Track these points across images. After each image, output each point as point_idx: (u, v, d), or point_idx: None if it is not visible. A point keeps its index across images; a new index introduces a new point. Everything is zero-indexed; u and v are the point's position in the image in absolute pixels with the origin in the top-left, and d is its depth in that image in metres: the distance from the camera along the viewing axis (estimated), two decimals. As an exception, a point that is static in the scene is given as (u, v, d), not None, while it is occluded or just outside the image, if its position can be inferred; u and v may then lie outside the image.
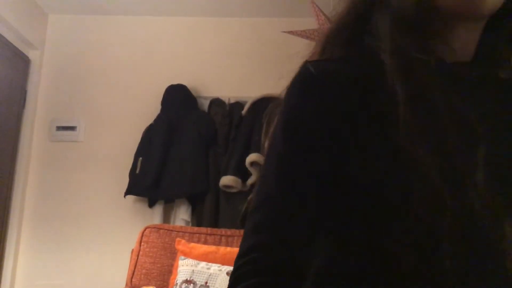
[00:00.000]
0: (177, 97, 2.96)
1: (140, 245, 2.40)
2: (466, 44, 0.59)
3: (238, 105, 2.96)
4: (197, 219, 2.82)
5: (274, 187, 0.55)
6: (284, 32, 2.47)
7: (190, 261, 2.17)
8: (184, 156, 2.80)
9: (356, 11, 0.62)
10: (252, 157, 2.64)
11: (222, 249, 2.22)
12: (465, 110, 0.50)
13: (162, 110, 2.96)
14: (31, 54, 3.16)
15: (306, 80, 0.56)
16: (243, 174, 2.69)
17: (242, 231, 0.58)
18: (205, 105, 3.05)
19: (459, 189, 0.47)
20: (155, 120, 2.94)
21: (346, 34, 0.62)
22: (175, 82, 2.99)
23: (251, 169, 2.65)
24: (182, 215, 2.78)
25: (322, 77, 0.56)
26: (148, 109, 2.99)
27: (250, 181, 2.68)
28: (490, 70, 0.57)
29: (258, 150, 2.64)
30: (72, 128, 3.12)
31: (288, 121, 0.56)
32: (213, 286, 2.04)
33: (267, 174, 0.57)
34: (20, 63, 3.06)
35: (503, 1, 0.56)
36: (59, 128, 3.12)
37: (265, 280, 0.51)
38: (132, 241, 2.50)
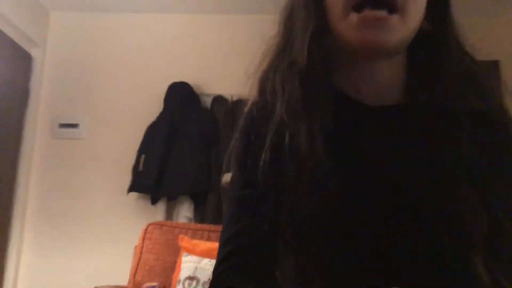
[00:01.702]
0: (180, 95, 2.96)
1: (143, 242, 2.41)
2: (386, 85, 0.63)
3: (241, 102, 2.96)
4: (200, 216, 2.82)
5: (235, 208, 0.64)
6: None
7: (193, 257, 2.18)
8: (186, 154, 2.81)
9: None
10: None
11: (225, 246, 2.22)
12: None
13: (164, 107, 2.96)
14: (33, 52, 3.16)
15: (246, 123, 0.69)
16: (245, 171, 2.69)
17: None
18: (207, 102, 3.05)
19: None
20: (158, 118, 2.94)
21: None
22: (178, 80, 2.99)
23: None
24: (185, 212, 2.79)
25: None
26: (151, 107, 2.99)
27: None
28: (413, 112, 0.61)
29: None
30: (75, 126, 3.12)
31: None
32: (216, 282, 2.04)
33: (230, 197, 0.66)
34: (22, 61, 3.06)
35: (401, 40, 0.59)
36: (62, 125, 3.13)
37: (239, 279, 0.57)
38: (135, 238, 2.51)
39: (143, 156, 2.85)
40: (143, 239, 2.42)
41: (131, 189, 2.83)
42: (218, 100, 3.02)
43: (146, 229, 2.45)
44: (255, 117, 0.66)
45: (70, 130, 3.12)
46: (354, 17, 0.57)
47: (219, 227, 2.40)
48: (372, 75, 0.63)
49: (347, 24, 0.58)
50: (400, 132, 0.62)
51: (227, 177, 2.65)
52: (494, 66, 2.98)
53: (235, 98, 3.02)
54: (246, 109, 0.72)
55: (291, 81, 0.63)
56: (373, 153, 0.61)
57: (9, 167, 2.94)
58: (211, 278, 0.61)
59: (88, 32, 3.25)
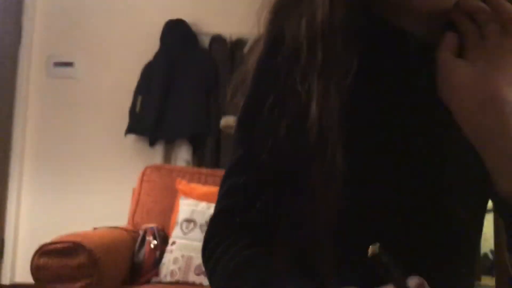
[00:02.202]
0: (177, 34, 2.86)
1: (141, 184, 2.41)
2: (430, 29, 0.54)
3: (241, 42, 2.86)
4: (198, 160, 2.81)
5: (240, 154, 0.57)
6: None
7: (190, 201, 2.18)
8: (184, 96, 2.76)
9: None
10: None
11: (223, 190, 2.22)
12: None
13: (161, 46, 2.87)
14: (24, -14, 3.01)
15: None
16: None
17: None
18: (205, 42, 2.95)
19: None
20: (155, 57, 2.86)
21: None
22: (174, 17, 2.87)
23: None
24: (183, 155, 2.78)
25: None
26: (147, 45, 2.89)
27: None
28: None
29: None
30: (70, 64, 3.04)
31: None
32: (214, 225, 2.05)
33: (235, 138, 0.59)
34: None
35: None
36: (57, 64, 3.05)
37: (237, 236, 0.53)
38: (133, 180, 2.51)
39: (139, 97, 2.80)
40: (141, 182, 2.42)
41: (129, 131, 2.80)
42: (217, 39, 2.92)
43: (144, 172, 2.44)
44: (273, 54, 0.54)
45: (65, 69, 3.04)
46: None
47: (216, 171, 2.40)
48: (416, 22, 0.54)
49: None
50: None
51: (227, 121, 2.62)
52: None
53: (234, 38, 2.91)
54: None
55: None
56: (406, 116, 0.53)
57: (5, 106, 2.89)
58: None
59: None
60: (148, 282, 2.02)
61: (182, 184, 2.28)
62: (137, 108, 2.80)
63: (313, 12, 0.52)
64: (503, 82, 0.47)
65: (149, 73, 2.83)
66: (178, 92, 2.78)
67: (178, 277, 2.00)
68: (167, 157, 2.87)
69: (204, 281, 1.93)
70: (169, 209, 2.27)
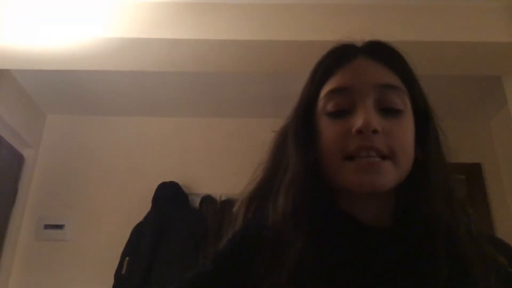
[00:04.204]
0: (169, 194, 2.96)
1: None
2: (377, 212, 0.66)
3: (230, 202, 2.96)
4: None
5: None
6: (275, 131, 2.56)
7: None
8: (173, 256, 2.72)
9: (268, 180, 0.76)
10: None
11: None
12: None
13: (152, 207, 2.94)
14: (26, 152, 3.20)
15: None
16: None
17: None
18: (196, 202, 3.05)
19: None
20: (145, 218, 2.90)
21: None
22: (167, 180, 3.01)
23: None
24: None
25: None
26: (138, 207, 2.95)
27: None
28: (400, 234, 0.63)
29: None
30: (60, 227, 3.05)
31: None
32: None
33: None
34: (14, 161, 3.08)
35: (395, 181, 0.63)
36: (47, 226, 3.06)
37: None
38: None
39: (127, 258, 2.75)
40: None
41: (113, 294, 2.69)
42: (207, 199, 3.03)
43: None
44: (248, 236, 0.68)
45: (55, 231, 3.04)
46: (349, 164, 0.63)
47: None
48: (364, 205, 0.67)
49: (342, 170, 0.63)
50: (389, 253, 0.63)
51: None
52: (476, 168, 3.07)
53: (223, 198, 3.03)
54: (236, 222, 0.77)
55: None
56: (360, 271, 0.61)
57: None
58: None
59: (81, 134, 3.33)
60: None
61: None
62: (123, 270, 2.73)
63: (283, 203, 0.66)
64: None
65: (138, 234, 2.83)
66: (166, 252, 2.74)
67: None
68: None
69: None
70: None
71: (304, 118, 0.72)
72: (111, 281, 2.71)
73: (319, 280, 0.57)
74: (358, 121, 0.62)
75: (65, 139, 3.32)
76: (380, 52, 0.71)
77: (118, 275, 2.73)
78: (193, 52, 2.29)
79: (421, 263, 0.60)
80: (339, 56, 0.71)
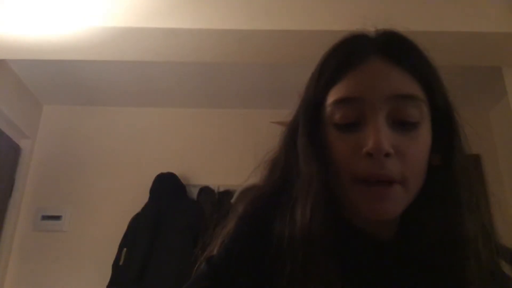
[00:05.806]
0: (166, 186, 2.95)
1: None
2: (383, 228, 0.63)
3: (228, 193, 2.96)
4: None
5: None
6: (273, 122, 2.54)
7: None
8: (171, 247, 2.73)
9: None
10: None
11: None
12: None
13: (150, 198, 2.94)
14: (22, 143, 3.19)
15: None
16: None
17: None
18: (194, 193, 3.04)
19: None
20: (143, 209, 2.90)
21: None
22: (165, 171, 3.00)
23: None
24: (167, 310, 2.64)
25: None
26: (136, 198, 2.96)
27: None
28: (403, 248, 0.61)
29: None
30: (57, 218, 3.05)
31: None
32: None
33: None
34: (10, 152, 3.07)
35: (405, 206, 0.60)
36: (45, 217, 3.06)
37: None
38: None
39: (124, 249, 2.76)
40: None
41: (111, 284, 2.70)
42: (205, 191, 3.02)
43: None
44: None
45: (52, 222, 3.04)
46: (359, 188, 0.58)
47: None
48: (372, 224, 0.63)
49: (351, 193, 0.59)
50: (398, 265, 0.61)
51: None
52: (475, 160, 3.07)
53: (221, 189, 3.03)
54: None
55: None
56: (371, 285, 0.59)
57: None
58: None
59: (78, 124, 3.32)
60: None
61: None
62: (121, 261, 2.74)
63: (293, 218, 0.60)
64: None
65: (136, 225, 2.84)
66: (164, 243, 2.75)
67: None
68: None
69: None
70: None
71: (312, 123, 0.65)
72: (108, 272, 2.72)
73: None
74: (368, 142, 0.57)
75: (62, 130, 3.31)
76: (397, 50, 0.62)
77: (115, 266, 2.74)
78: (191, 42, 2.27)
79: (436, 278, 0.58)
80: (349, 54, 0.63)
